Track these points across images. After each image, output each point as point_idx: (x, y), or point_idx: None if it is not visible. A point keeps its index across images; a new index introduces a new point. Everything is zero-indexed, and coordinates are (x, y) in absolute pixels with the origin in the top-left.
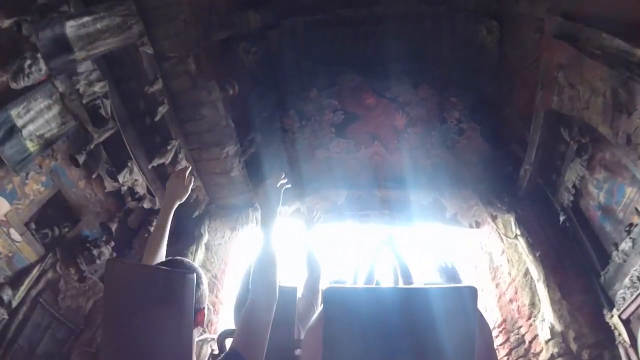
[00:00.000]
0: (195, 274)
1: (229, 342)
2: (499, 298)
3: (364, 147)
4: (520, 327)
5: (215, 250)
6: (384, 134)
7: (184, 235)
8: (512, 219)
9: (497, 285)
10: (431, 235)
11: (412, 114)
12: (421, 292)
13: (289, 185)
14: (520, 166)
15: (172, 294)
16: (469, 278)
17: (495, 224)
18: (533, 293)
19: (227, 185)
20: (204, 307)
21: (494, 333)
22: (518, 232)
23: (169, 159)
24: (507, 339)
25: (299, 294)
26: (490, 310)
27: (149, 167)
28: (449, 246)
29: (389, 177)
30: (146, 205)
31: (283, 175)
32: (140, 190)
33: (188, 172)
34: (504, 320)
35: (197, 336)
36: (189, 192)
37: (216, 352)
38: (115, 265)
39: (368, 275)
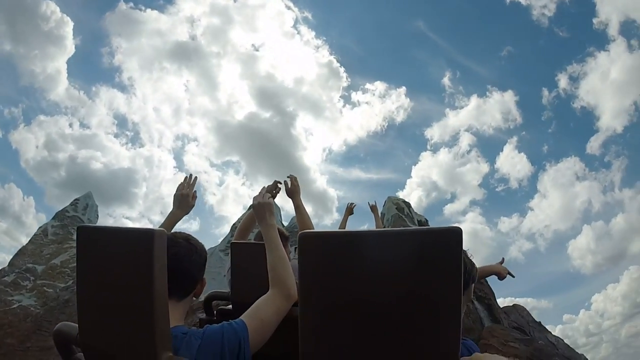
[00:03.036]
0: (166, 235)
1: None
2: None
3: None
4: None
5: None
6: None
7: None
8: None
9: None
10: None
11: None
12: (403, 234)
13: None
14: None
15: (138, 253)
16: None
17: None
18: None
19: None
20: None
21: None
22: None
23: None
24: None
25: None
26: None
27: None
28: None
29: None
30: None
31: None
32: None
33: (193, 184)
34: None
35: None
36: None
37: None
38: (84, 231)
39: None
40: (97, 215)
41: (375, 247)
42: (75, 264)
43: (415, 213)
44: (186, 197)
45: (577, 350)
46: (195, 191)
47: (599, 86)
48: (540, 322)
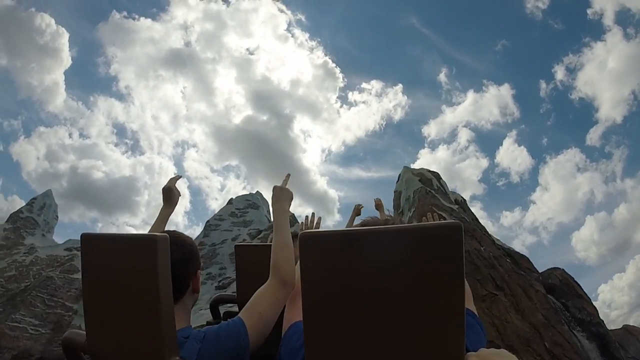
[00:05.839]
0: (168, 237)
1: (222, 309)
2: None
3: None
4: None
5: None
6: None
7: None
8: None
9: None
10: None
11: None
12: (400, 231)
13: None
14: None
15: (142, 259)
16: None
17: None
18: None
19: None
20: (194, 272)
21: None
22: None
23: None
24: None
25: None
26: None
27: None
28: None
29: None
30: None
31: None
32: None
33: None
34: None
35: (188, 301)
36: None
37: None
38: (88, 238)
39: None
40: (57, 217)
41: (374, 246)
42: (11, 273)
43: (450, 190)
44: (167, 190)
45: None
46: (175, 186)
47: (596, 76)
48: None
